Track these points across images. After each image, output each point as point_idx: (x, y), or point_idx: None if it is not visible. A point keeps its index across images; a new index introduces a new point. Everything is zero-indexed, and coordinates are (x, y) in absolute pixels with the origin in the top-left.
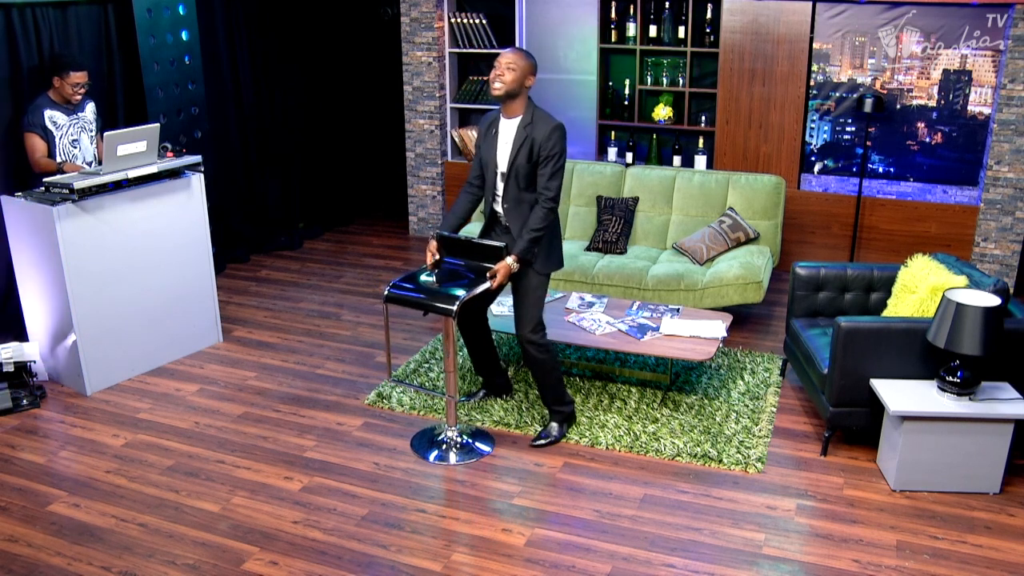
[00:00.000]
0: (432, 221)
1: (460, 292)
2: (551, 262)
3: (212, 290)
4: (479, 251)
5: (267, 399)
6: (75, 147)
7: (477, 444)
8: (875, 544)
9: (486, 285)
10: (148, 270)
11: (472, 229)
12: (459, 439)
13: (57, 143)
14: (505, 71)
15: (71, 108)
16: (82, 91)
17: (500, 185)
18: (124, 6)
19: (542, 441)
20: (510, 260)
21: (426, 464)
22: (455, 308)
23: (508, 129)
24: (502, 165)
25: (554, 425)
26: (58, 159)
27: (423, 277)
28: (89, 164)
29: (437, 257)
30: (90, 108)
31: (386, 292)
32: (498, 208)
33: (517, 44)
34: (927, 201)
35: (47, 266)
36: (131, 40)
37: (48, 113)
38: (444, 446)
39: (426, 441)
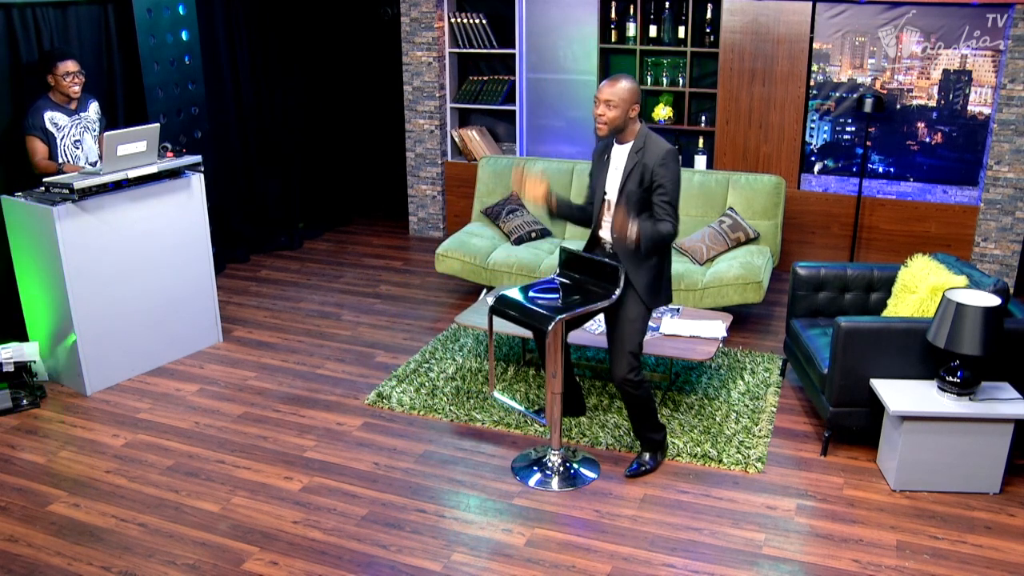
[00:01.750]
0: (432, 221)
1: (558, 308)
2: (660, 296)
3: (212, 290)
4: (597, 269)
5: (267, 399)
6: (78, 148)
7: (582, 471)
8: (875, 544)
9: (599, 306)
10: (148, 270)
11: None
12: (563, 465)
13: (59, 145)
14: (606, 109)
15: (73, 108)
16: (77, 81)
17: (606, 213)
18: (124, 6)
19: (636, 470)
20: (633, 225)
21: (427, 464)
22: (550, 327)
23: (620, 155)
24: (610, 192)
25: (647, 455)
26: (59, 160)
27: (529, 292)
28: (92, 164)
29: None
30: (93, 107)
31: (491, 303)
32: (604, 235)
33: (517, 44)
34: (927, 201)
35: (47, 266)
36: (131, 40)
37: (49, 115)
38: (547, 471)
39: (527, 464)
